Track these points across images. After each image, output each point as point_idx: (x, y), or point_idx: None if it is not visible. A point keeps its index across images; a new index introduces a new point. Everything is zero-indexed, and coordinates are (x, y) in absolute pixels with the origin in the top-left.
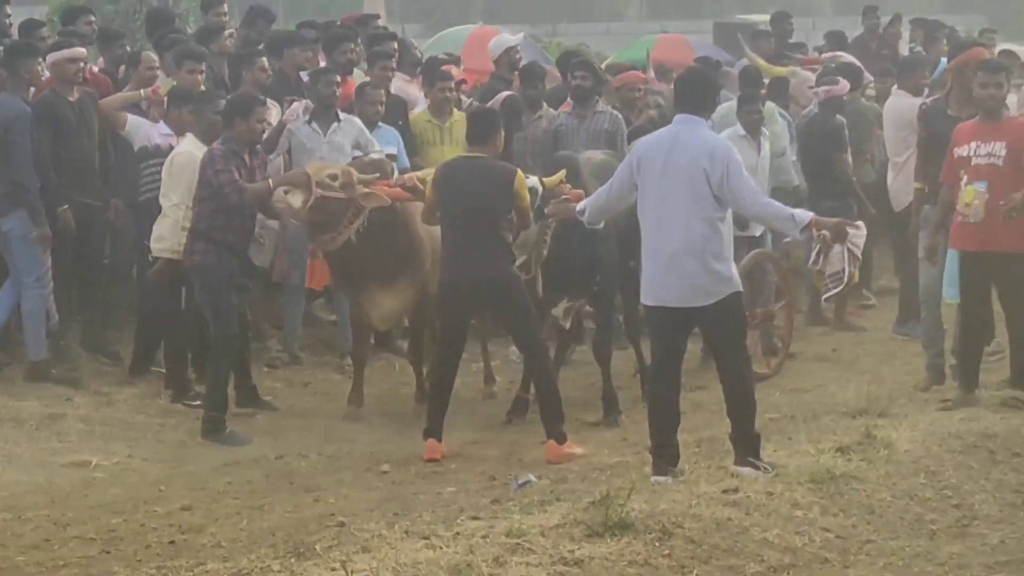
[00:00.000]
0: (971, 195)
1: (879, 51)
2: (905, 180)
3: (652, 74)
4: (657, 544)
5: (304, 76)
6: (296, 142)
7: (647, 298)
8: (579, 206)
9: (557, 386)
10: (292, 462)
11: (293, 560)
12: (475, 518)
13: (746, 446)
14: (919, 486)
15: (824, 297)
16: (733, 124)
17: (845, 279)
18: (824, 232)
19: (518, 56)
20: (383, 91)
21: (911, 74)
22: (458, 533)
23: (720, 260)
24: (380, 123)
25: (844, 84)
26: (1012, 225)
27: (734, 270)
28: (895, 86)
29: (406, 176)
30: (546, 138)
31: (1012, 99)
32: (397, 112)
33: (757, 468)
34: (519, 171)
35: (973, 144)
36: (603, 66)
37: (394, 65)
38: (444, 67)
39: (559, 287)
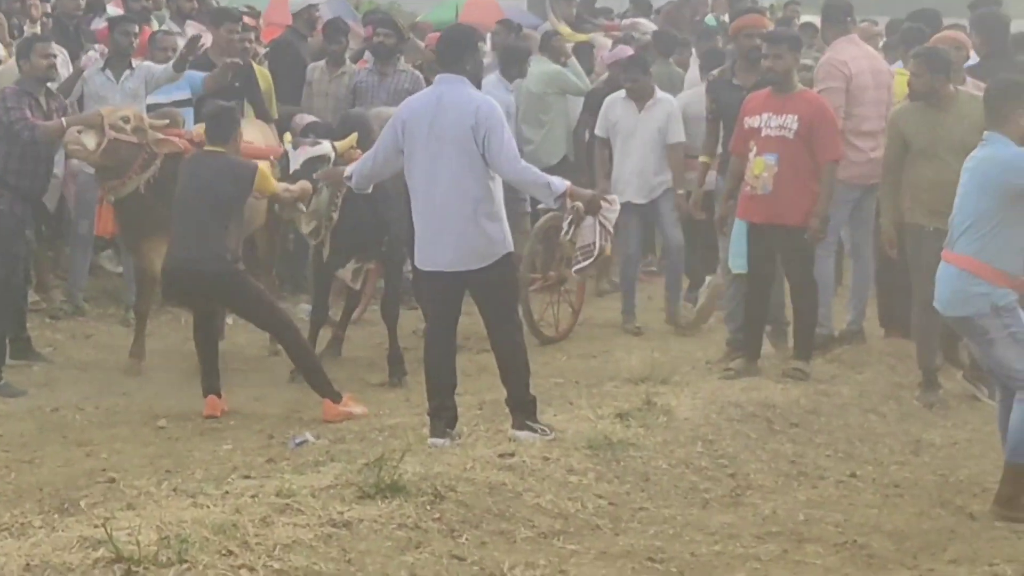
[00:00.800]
0: (760, 167)
1: (692, 18)
2: None
3: None
4: (428, 507)
5: (101, 23)
6: (90, 90)
7: (421, 262)
8: (347, 171)
9: (311, 351)
10: (67, 415)
11: (56, 516)
12: (247, 477)
13: (523, 410)
14: (696, 454)
15: (574, 269)
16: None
17: (596, 252)
18: (578, 204)
19: (318, 15)
20: (176, 37)
21: (708, 44)
22: (227, 492)
23: (493, 220)
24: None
25: (625, 49)
26: (798, 198)
27: (507, 230)
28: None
29: (195, 130)
30: (346, 94)
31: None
32: None
33: (535, 431)
34: (259, 167)
35: (765, 115)
36: (412, 24)
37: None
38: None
39: (348, 250)
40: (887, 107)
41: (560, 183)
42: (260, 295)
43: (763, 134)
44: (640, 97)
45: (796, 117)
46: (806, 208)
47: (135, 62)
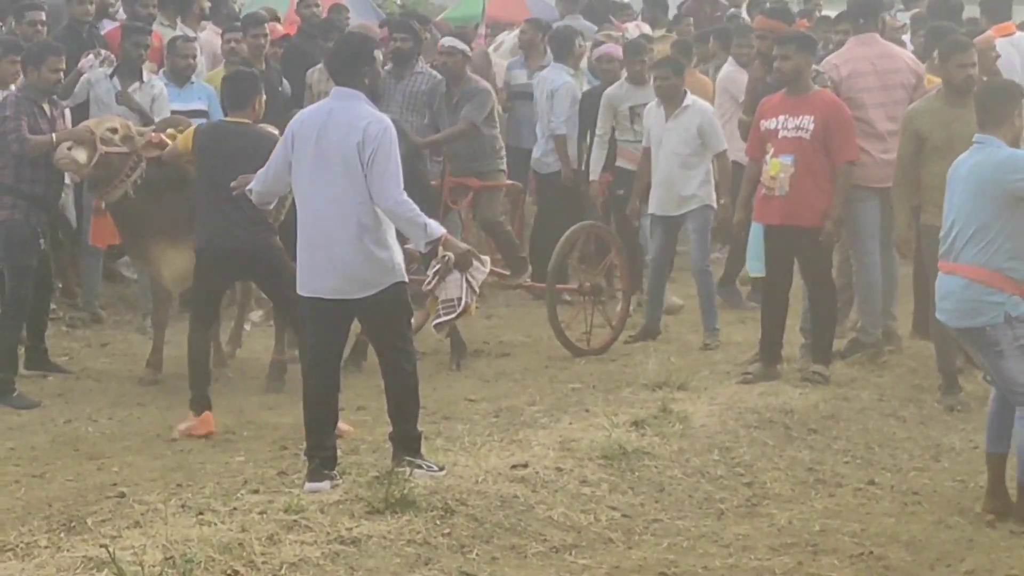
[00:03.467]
0: (776, 168)
1: (712, 15)
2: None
3: (485, 30)
4: (438, 522)
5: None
6: (94, 95)
7: (302, 288)
8: (250, 184)
9: None
10: (80, 427)
11: (63, 534)
12: (255, 492)
13: (406, 446)
14: (711, 463)
15: (433, 324)
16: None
17: (459, 309)
18: (448, 255)
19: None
20: (195, 44)
21: (732, 41)
22: (235, 508)
23: (381, 247)
24: (193, 78)
25: (614, 47)
26: (814, 200)
27: (398, 258)
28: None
29: (151, 134)
30: None
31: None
32: None
33: (421, 468)
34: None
35: (781, 117)
36: (439, 18)
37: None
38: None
39: None
40: (903, 107)
41: (436, 228)
42: (293, 275)
43: (780, 136)
44: (669, 101)
45: (812, 118)
46: (823, 209)
47: (147, 74)
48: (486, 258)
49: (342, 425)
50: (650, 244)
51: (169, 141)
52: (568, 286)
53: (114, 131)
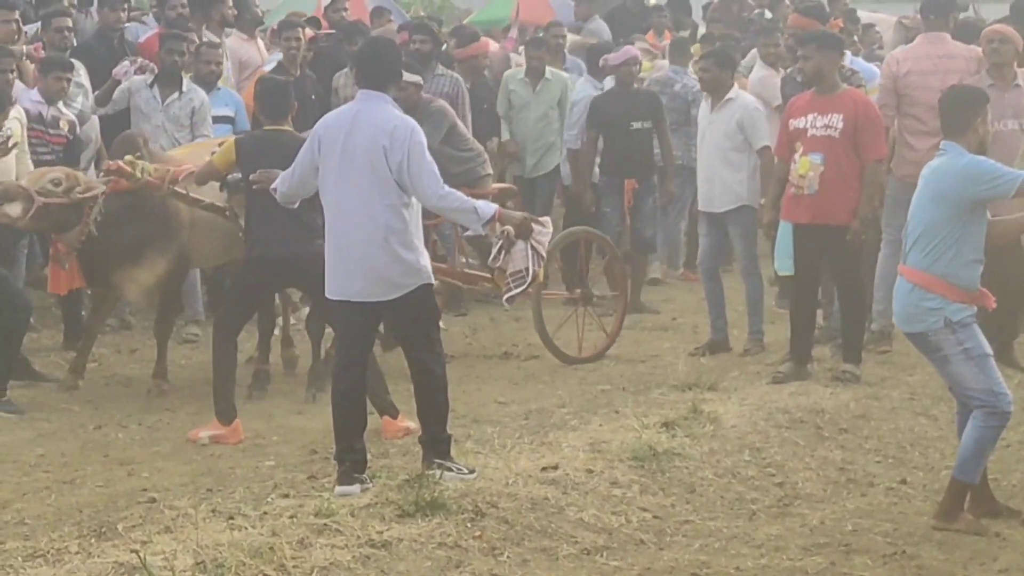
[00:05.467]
0: (806, 166)
1: (739, 14)
2: None
3: (515, 34)
4: (469, 525)
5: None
6: (134, 104)
7: (331, 291)
8: (274, 183)
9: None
10: (110, 433)
11: (94, 540)
12: (286, 496)
13: (435, 448)
14: (742, 463)
15: (505, 297)
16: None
17: (528, 279)
18: (508, 228)
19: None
20: (221, 50)
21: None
22: (265, 513)
23: (408, 249)
24: (219, 85)
25: (631, 50)
26: (844, 198)
27: (424, 260)
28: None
29: (108, 163)
30: None
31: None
32: None
33: (451, 471)
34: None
35: (810, 116)
36: (465, 22)
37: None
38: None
39: None
40: None
41: (487, 207)
42: None
43: (809, 134)
44: (714, 94)
45: (841, 116)
46: (852, 208)
47: (187, 83)
48: (546, 219)
49: (410, 424)
50: (700, 243)
51: (128, 168)
52: (556, 292)
53: (57, 183)
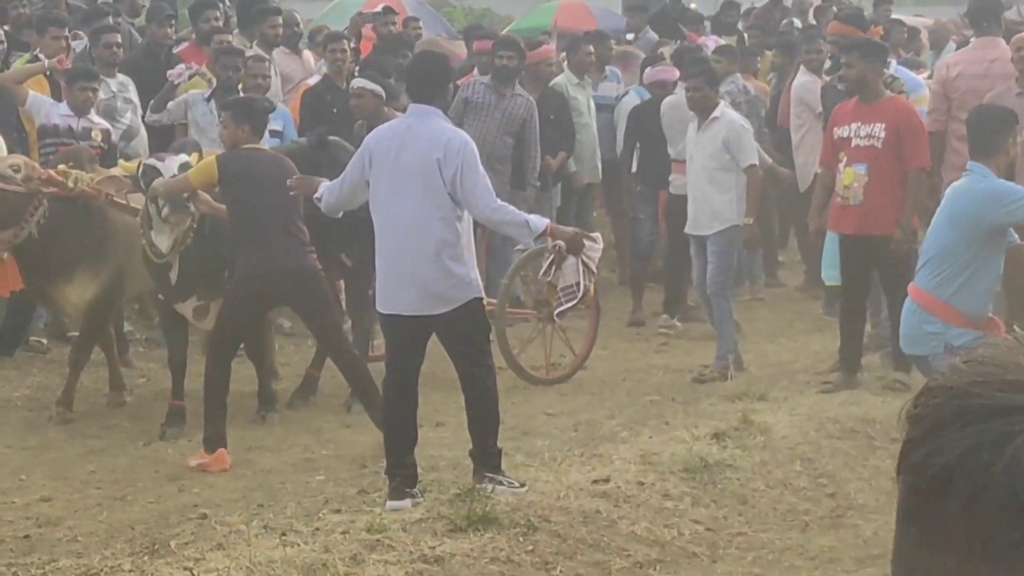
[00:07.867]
0: (850, 177)
1: (780, 21)
2: (803, 160)
3: (555, 42)
4: (521, 539)
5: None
6: (192, 118)
7: (381, 305)
8: (318, 192)
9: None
10: (160, 449)
11: (146, 558)
12: (337, 511)
13: (486, 462)
14: (794, 474)
15: (556, 312)
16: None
17: (580, 294)
18: (559, 242)
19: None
20: (267, 63)
21: (801, 50)
22: (317, 529)
23: (459, 263)
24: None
25: (668, 70)
26: (889, 208)
27: (475, 274)
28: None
29: (42, 171)
30: (456, 104)
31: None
32: None
33: (502, 484)
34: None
35: (854, 125)
36: (506, 31)
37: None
38: None
39: (191, 282)
40: None
41: (539, 221)
42: (333, 304)
43: (853, 144)
44: (700, 113)
45: (883, 126)
46: (897, 218)
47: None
48: (597, 235)
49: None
50: (694, 267)
51: (59, 177)
52: (520, 311)
53: (16, 169)
